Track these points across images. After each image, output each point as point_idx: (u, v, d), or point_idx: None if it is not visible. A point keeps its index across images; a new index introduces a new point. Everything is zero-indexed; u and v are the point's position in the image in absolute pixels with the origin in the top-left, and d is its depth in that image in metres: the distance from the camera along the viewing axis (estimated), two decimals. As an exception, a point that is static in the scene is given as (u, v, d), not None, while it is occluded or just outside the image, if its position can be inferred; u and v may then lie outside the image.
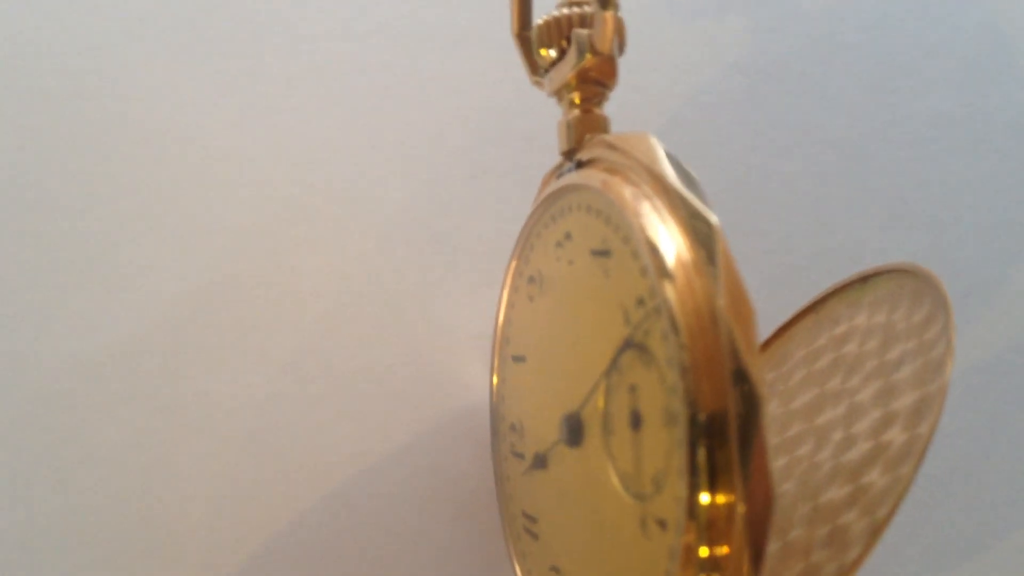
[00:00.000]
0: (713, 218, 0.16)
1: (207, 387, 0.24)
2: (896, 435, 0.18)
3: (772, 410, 0.23)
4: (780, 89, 0.32)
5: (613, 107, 0.30)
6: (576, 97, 0.20)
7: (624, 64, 0.31)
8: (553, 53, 0.21)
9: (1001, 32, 0.34)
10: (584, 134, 0.20)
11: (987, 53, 0.34)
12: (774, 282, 0.30)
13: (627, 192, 0.17)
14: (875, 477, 0.18)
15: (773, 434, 0.22)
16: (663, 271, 0.16)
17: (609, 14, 0.19)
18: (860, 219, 0.31)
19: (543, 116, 0.28)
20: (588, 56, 0.20)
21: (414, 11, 0.29)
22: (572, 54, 0.20)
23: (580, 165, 0.20)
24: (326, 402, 0.25)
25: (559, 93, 0.21)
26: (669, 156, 0.17)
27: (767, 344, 0.25)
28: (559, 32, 0.21)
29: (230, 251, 0.25)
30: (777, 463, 0.21)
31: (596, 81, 0.20)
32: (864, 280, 0.22)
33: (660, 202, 0.17)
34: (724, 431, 0.15)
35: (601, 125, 0.20)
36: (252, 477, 0.24)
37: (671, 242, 0.16)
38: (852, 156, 0.32)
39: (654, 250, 0.16)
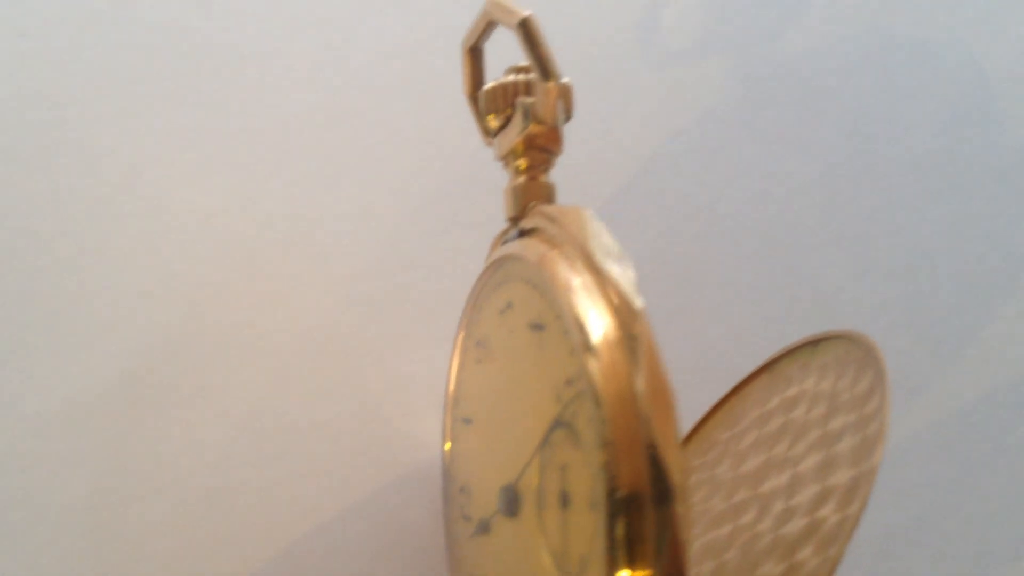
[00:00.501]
0: (637, 302, 0.16)
1: (162, 445, 0.24)
2: (830, 513, 0.18)
3: (722, 473, 0.23)
4: (753, 135, 0.32)
5: (583, 153, 0.30)
6: (522, 164, 0.21)
7: (595, 110, 0.31)
8: (498, 120, 0.21)
9: (981, 74, 0.34)
10: (528, 201, 0.20)
11: (966, 96, 0.34)
12: (745, 331, 0.30)
13: (561, 269, 0.17)
14: (808, 555, 0.17)
15: (721, 500, 0.22)
16: (589, 352, 0.16)
17: (551, 84, 0.19)
18: (833, 267, 0.31)
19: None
20: (532, 125, 0.20)
21: (378, 63, 0.29)
22: (517, 121, 0.20)
23: (523, 233, 0.20)
24: (283, 459, 0.25)
25: (506, 159, 0.21)
26: (602, 233, 0.17)
27: (725, 400, 0.25)
28: (504, 99, 0.21)
29: (188, 307, 0.25)
30: (722, 530, 0.21)
31: (542, 148, 0.21)
32: (815, 344, 0.22)
33: (591, 280, 0.17)
34: (641, 512, 0.15)
35: (545, 193, 0.21)
36: (207, 535, 0.24)
37: (599, 322, 0.16)
38: (826, 203, 0.32)
39: (581, 330, 0.16)
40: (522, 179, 0.21)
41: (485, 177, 0.28)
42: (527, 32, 0.19)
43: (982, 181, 0.33)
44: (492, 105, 0.21)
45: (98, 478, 0.23)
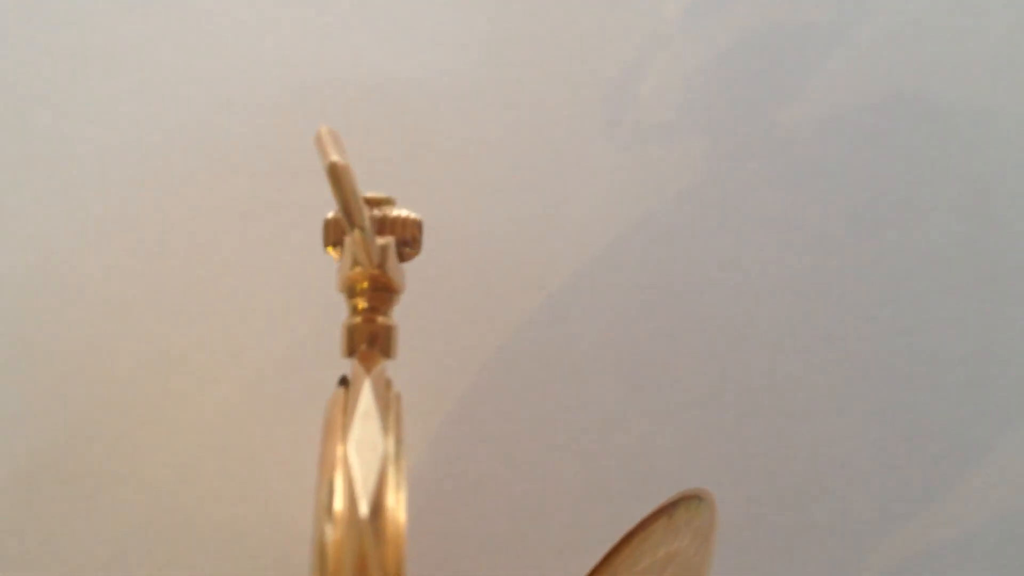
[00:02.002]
0: (362, 509, 0.15)
1: (54, 548, 0.25)
2: None
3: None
4: (735, 223, 0.29)
5: (553, 229, 0.29)
6: (358, 303, 0.20)
7: (557, 185, 0.29)
8: (336, 253, 0.20)
9: (1013, 156, 0.30)
10: (359, 344, 0.19)
11: (994, 179, 0.30)
12: (701, 440, 0.28)
13: (328, 449, 0.16)
14: None
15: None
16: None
17: (357, 234, 0.18)
18: (817, 373, 0.28)
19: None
20: (354, 267, 0.19)
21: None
22: (346, 259, 0.19)
23: (343, 383, 0.19)
24: (179, 562, 0.25)
25: (347, 292, 0.20)
26: (366, 418, 0.16)
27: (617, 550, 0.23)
28: (336, 233, 0.20)
29: (85, 403, 0.26)
30: None
31: (380, 288, 0.19)
32: (675, 504, 0.20)
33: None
34: None
35: (383, 335, 0.19)
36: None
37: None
38: (817, 297, 0.29)
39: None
40: (357, 319, 0.20)
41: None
42: (332, 179, 0.18)
43: (1009, 278, 0.29)
44: (328, 237, 0.20)
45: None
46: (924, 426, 0.28)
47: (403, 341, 0.27)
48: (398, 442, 0.16)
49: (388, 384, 0.18)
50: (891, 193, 0.30)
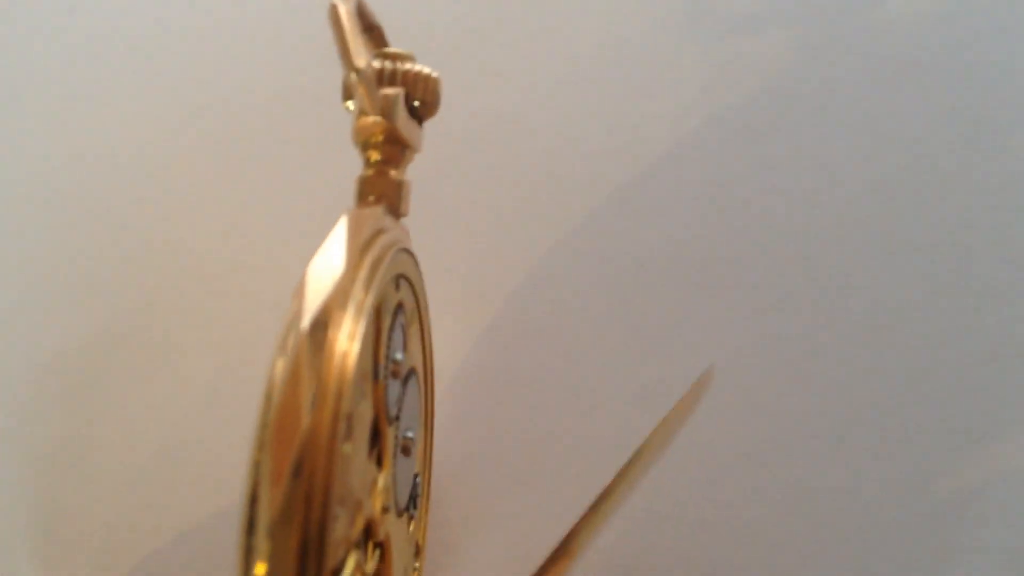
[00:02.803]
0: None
1: (123, 415, 0.26)
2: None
3: None
4: (821, 121, 0.27)
5: (628, 125, 0.27)
6: (372, 155, 0.20)
7: (640, 83, 0.28)
8: (353, 107, 0.20)
9: None
10: (369, 195, 0.19)
11: None
12: (768, 346, 0.26)
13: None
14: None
15: None
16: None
17: (353, 77, 0.18)
18: (895, 284, 0.26)
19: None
20: (360, 116, 0.19)
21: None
22: (355, 109, 0.19)
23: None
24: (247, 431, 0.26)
25: (361, 145, 0.20)
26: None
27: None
28: (349, 87, 0.20)
29: (157, 273, 0.27)
30: None
31: (393, 141, 0.19)
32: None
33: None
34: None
35: (391, 191, 0.19)
36: (162, 489, 0.26)
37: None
38: (909, 206, 0.27)
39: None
40: (369, 172, 0.20)
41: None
42: (331, 20, 0.18)
43: None
44: (345, 92, 0.20)
45: (65, 427, 0.26)
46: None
47: (462, 236, 0.27)
48: (369, 283, 0.16)
49: (379, 232, 0.18)
50: (996, 91, 0.27)
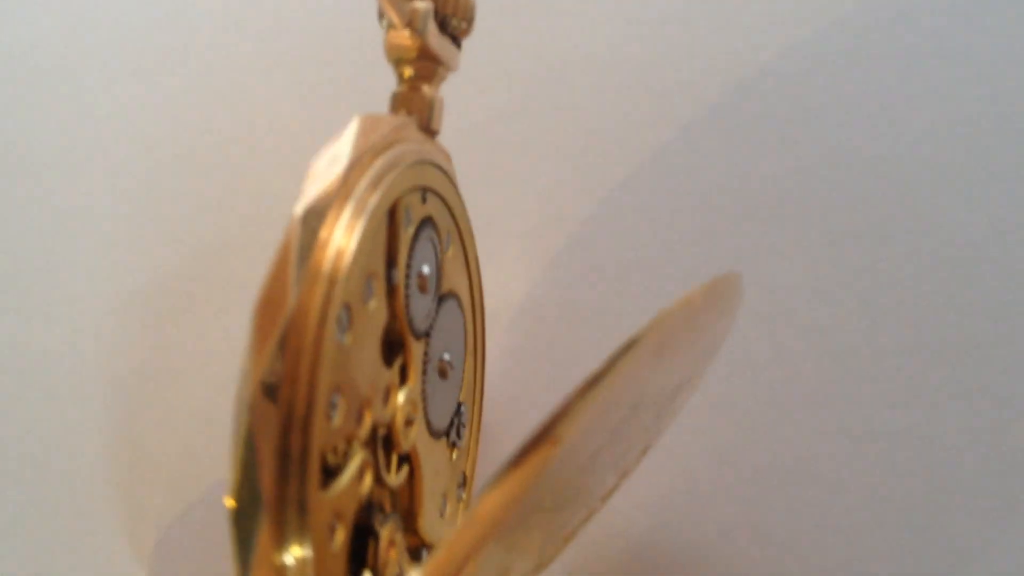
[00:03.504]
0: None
1: (189, 357, 0.27)
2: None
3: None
4: (903, 49, 0.26)
5: (693, 55, 0.26)
6: (405, 71, 0.20)
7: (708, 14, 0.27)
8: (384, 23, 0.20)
9: None
10: (399, 110, 0.20)
11: None
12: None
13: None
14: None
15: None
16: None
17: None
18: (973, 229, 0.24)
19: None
20: (389, 30, 0.19)
21: None
22: (385, 23, 0.20)
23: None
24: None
25: (394, 61, 0.20)
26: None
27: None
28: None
29: (225, 217, 0.28)
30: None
31: (427, 57, 0.20)
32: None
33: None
34: None
35: (422, 106, 0.19)
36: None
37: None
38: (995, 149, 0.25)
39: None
40: (402, 87, 0.20)
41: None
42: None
43: None
44: (381, 12, 0.20)
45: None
46: None
47: (526, 172, 0.27)
48: (377, 182, 0.16)
49: (398, 138, 0.18)
50: None
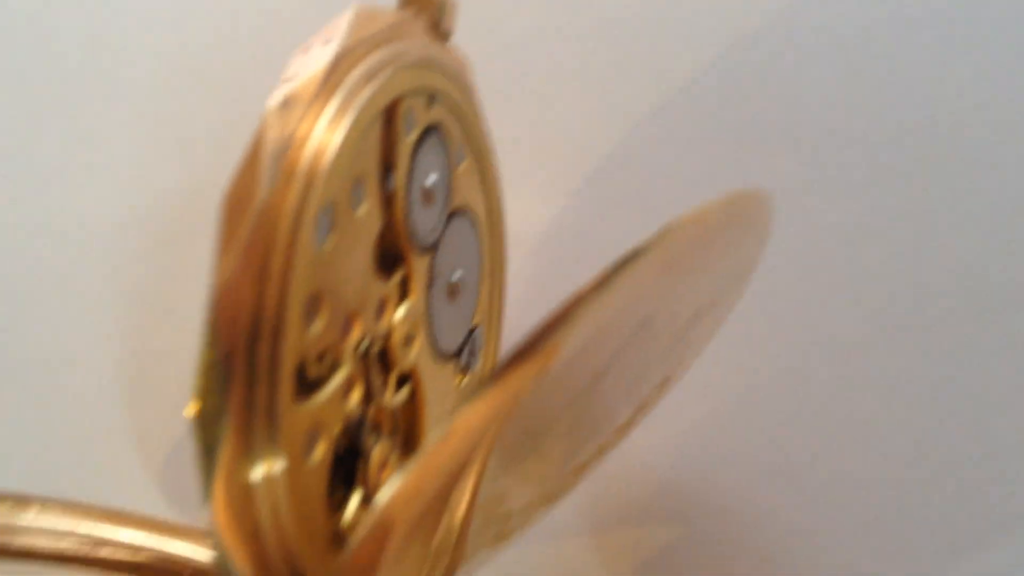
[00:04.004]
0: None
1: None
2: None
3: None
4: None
5: None
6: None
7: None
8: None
9: None
10: (407, 8, 0.18)
11: None
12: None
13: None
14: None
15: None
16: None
17: None
18: None
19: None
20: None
21: None
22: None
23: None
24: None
25: None
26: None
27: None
28: None
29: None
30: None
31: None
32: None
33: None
34: None
35: (431, 5, 0.18)
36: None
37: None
38: None
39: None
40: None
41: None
42: None
43: None
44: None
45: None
46: None
47: (554, 89, 0.25)
48: (370, 77, 0.15)
49: (397, 34, 0.16)
50: None
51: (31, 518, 0.20)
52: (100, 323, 0.25)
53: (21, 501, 0.20)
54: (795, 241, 0.23)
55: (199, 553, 0.20)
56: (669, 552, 0.22)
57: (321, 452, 0.15)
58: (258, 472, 0.13)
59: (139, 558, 0.20)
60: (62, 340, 0.25)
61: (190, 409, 0.13)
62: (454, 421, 0.13)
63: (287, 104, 0.14)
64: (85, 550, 0.20)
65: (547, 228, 0.24)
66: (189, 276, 0.25)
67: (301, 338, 0.14)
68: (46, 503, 0.20)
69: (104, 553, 0.20)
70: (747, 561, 0.21)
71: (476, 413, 0.13)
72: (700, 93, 0.24)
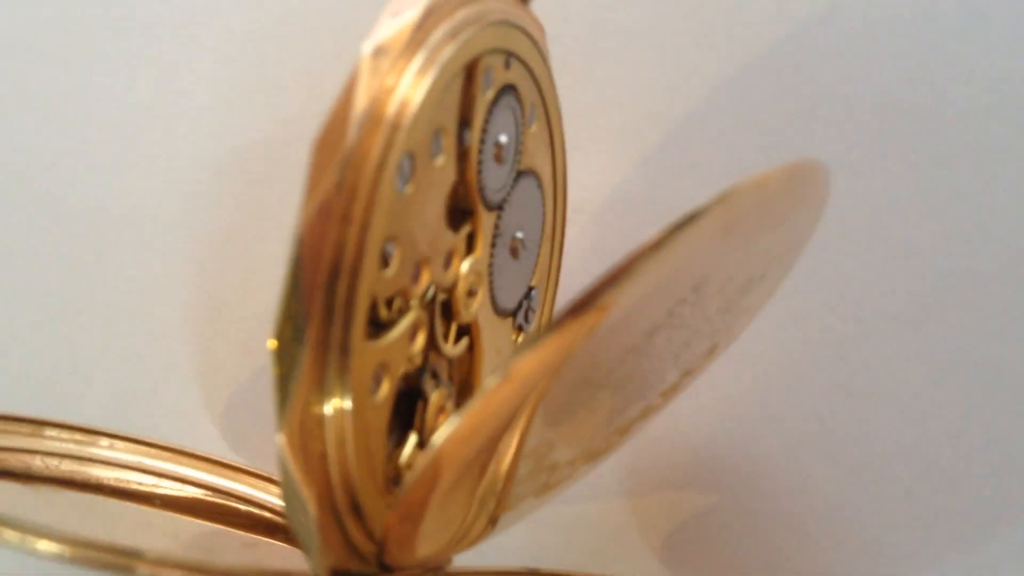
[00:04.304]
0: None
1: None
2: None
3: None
4: None
5: None
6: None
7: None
8: None
9: None
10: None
11: None
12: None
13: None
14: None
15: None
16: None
17: None
18: None
19: None
20: None
21: None
22: None
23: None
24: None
25: None
26: None
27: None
28: None
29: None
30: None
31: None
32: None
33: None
34: None
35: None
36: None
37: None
38: None
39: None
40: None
41: None
42: None
43: None
44: None
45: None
46: None
47: (625, 57, 0.26)
48: (454, 34, 0.16)
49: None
50: None
51: (100, 451, 0.21)
52: (176, 264, 0.26)
53: (92, 433, 0.21)
54: (849, 214, 0.23)
55: (258, 494, 0.21)
56: (704, 519, 0.22)
57: (385, 391, 0.15)
58: (328, 403, 0.14)
59: (200, 495, 0.21)
60: (140, 279, 0.26)
61: (270, 343, 0.14)
62: (511, 366, 0.13)
63: (378, 54, 0.14)
64: (149, 484, 0.21)
65: (608, 196, 0.25)
66: (267, 224, 0.26)
67: (376, 279, 0.15)
68: (115, 437, 0.21)
69: (166, 488, 0.21)
70: (781, 531, 0.21)
71: (532, 360, 0.13)
72: (774, 70, 0.24)
